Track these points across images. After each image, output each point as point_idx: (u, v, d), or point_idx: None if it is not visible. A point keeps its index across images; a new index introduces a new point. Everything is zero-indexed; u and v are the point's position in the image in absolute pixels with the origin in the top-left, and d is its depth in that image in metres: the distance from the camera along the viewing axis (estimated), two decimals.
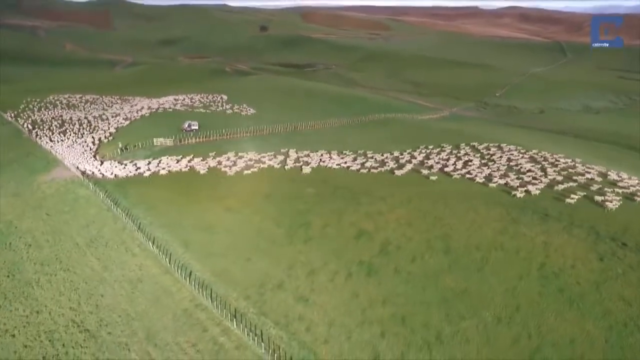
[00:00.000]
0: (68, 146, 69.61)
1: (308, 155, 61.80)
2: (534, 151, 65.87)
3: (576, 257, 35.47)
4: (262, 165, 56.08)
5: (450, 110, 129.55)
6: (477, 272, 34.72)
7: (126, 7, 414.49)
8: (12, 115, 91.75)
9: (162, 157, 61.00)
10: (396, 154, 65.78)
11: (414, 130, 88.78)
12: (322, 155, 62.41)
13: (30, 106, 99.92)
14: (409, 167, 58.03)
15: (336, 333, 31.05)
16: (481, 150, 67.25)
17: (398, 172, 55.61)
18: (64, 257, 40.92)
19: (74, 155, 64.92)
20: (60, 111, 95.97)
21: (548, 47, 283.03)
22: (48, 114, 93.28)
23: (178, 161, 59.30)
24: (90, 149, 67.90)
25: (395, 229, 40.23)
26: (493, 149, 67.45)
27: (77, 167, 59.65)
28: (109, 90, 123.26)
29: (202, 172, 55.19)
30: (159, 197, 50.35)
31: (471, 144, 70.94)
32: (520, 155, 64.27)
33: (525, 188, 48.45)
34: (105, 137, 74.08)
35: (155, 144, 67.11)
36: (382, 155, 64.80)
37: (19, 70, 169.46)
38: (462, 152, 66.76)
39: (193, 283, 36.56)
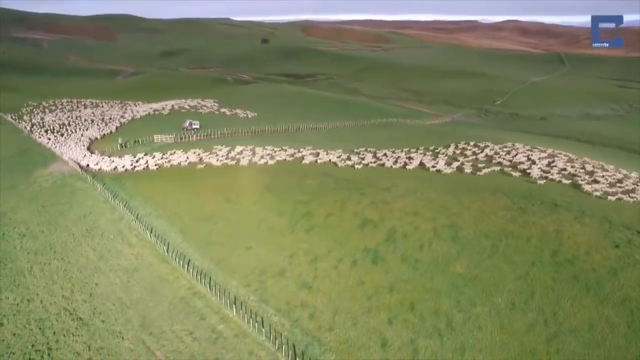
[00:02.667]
0: (67, 143, 68.68)
1: (308, 151, 60.75)
2: (575, 155, 59.79)
3: (590, 244, 34.00)
4: (260, 159, 55.09)
5: (451, 117, 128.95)
6: (487, 259, 33.26)
7: (129, 21, 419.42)
8: (13, 116, 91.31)
9: (162, 152, 59.98)
10: (451, 148, 62.50)
11: (425, 132, 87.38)
12: (322, 151, 61.24)
13: (30, 109, 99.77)
14: (493, 168, 52.39)
15: (341, 320, 29.51)
16: (526, 151, 60.22)
17: (480, 173, 50.66)
18: (58, 246, 39.62)
19: (72, 150, 63.99)
20: (60, 113, 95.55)
21: (547, 58, 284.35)
22: (48, 115, 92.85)
23: (177, 155, 58.24)
24: (90, 145, 67.02)
25: (400, 217, 38.87)
26: (536, 152, 59.63)
27: (75, 162, 58.61)
28: (110, 97, 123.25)
29: (201, 165, 54.14)
30: (158, 189, 49.14)
31: (514, 143, 65.05)
32: (564, 158, 57.45)
33: (620, 197, 43.71)
34: (104, 134, 73.37)
35: (155, 140, 66.26)
36: (403, 151, 61.94)
37: (22, 79, 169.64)
38: (513, 151, 59.76)
39: (191, 271, 35.15)
